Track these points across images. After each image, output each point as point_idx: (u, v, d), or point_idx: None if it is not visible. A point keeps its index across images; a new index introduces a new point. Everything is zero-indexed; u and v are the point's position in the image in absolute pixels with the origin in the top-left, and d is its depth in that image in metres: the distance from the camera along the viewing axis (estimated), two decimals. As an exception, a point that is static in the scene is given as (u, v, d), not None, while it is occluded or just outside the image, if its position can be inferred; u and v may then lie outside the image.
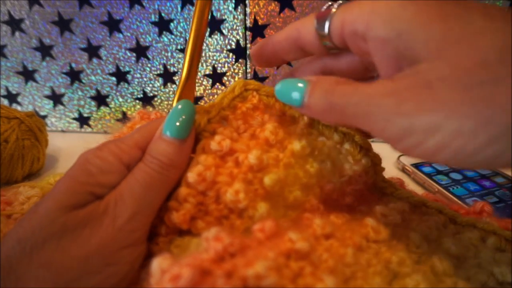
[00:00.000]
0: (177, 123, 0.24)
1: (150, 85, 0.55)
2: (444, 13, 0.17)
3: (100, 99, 0.56)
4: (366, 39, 0.20)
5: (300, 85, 0.22)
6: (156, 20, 0.51)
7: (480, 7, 0.16)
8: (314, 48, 0.25)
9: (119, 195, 0.22)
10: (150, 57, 0.53)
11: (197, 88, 0.55)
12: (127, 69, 0.54)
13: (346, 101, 0.19)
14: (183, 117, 0.24)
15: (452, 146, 0.16)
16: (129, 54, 0.53)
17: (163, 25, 0.51)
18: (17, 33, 0.52)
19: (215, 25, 0.50)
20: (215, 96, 0.56)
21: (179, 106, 0.24)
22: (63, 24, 0.51)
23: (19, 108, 0.57)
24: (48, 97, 0.56)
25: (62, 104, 0.57)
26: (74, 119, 0.58)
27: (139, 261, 0.23)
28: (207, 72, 0.54)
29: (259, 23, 0.50)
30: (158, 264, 0.18)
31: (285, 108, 0.28)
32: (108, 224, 0.21)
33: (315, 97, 0.21)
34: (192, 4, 0.49)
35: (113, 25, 0.51)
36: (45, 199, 0.22)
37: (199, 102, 0.56)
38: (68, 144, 0.54)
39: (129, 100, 0.57)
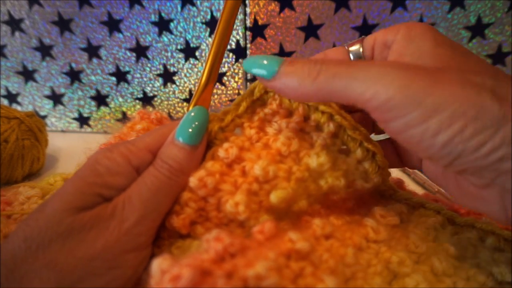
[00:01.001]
0: (190, 129, 0.24)
1: (150, 85, 0.55)
2: (453, 45, 0.22)
3: (100, 99, 0.56)
4: (391, 45, 0.24)
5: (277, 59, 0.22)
6: (156, 20, 0.51)
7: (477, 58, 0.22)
8: None
9: (128, 198, 0.22)
10: (150, 57, 0.53)
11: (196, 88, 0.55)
12: (127, 69, 0.54)
13: (352, 71, 0.19)
14: (196, 123, 0.24)
15: (451, 128, 0.18)
16: (129, 54, 0.53)
17: (163, 25, 0.51)
18: (17, 33, 0.52)
19: (215, 25, 0.50)
20: (215, 96, 0.56)
21: (193, 113, 0.24)
22: (63, 24, 0.51)
23: (19, 108, 0.57)
24: (48, 97, 0.56)
25: (62, 104, 0.57)
26: (74, 119, 0.58)
27: (143, 265, 0.23)
28: (207, 72, 0.54)
29: (259, 23, 0.50)
30: (158, 264, 0.18)
31: (309, 112, 0.26)
32: (114, 227, 0.21)
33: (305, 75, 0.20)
34: (192, 4, 0.49)
35: (113, 25, 0.51)
36: (52, 199, 0.22)
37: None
38: (68, 144, 0.54)
39: (129, 100, 0.57)
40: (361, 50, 0.27)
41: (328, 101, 0.24)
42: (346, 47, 0.27)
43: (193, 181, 0.23)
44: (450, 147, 0.18)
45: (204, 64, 0.53)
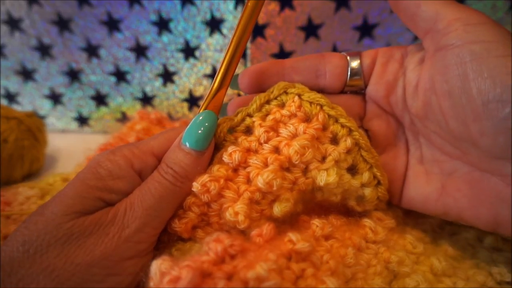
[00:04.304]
0: (197, 134, 0.23)
1: (150, 85, 0.55)
2: None
3: (100, 99, 0.56)
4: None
5: None
6: (156, 20, 0.50)
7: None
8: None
9: (130, 204, 0.22)
10: (149, 57, 0.53)
11: (196, 88, 0.55)
12: (126, 69, 0.54)
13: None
14: (204, 128, 0.23)
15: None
16: (128, 54, 0.53)
17: (163, 24, 0.51)
18: (16, 33, 0.51)
19: (215, 25, 0.50)
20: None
21: (201, 117, 0.24)
22: (63, 24, 0.51)
23: (18, 108, 0.57)
24: (47, 97, 0.56)
25: (61, 104, 0.57)
26: (74, 119, 0.58)
27: (144, 271, 0.22)
28: (207, 72, 0.54)
29: (259, 23, 0.50)
30: (157, 266, 0.18)
31: (329, 122, 0.24)
32: (114, 233, 0.21)
33: None
34: (192, 4, 0.49)
35: (112, 24, 0.51)
36: (52, 202, 0.21)
37: (198, 102, 0.56)
38: (68, 144, 0.54)
39: (128, 100, 0.56)
40: (357, 62, 0.27)
41: (409, 13, 0.24)
42: (345, 55, 0.28)
43: (196, 186, 0.23)
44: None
45: (203, 63, 0.53)
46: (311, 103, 0.24)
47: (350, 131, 0.25)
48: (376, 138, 0.28)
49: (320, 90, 0.27)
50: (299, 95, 0.25)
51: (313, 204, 0.27)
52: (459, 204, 0.23)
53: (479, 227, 0.23)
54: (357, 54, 0.27)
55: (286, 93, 0.25)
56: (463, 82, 0.20)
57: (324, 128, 0.25)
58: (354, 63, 0.27)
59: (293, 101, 0.25)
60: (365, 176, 0.25)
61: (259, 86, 0.27)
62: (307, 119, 0.25)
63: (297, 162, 0.23)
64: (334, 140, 0.25)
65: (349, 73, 0.27)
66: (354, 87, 0.28)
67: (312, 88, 0.26)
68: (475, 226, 0.23)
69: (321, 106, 0.24)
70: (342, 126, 0.25)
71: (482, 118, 0.20)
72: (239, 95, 0.55)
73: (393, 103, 0.27)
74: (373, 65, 0.27)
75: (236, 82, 0.28)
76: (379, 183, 0.26)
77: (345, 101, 0.28)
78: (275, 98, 0.25)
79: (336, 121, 0.25)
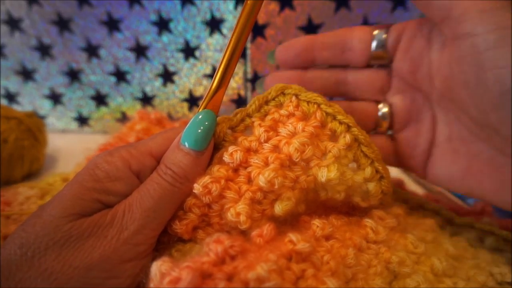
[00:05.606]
0: (196, 134, 0.23)
1: (150, 85, 0.55)
2: None
3: (100, 99, 0.56)
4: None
5: None
6: (156, 20, 0.50)
7: None
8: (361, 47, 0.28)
9: (128, 206, 0.21)
10: (149, 57, 0.53)
11: (196, 88, 0.55)
12: (126, 69, 0.54)
13: None
14: (203, 128, 0.23)
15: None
16: (128, 54, 0.53)
17: (163, 24, 0.51)
18: (16, 33, 0.51)
19: (215, 25, 0.50)
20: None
21: (200, 116, 0.23)
22: (63, 24, 0.51)
23: (18, 108, 0.57)
24: (47, 97, 0.56)
25: (61, 104, 0.57)
26: (74, 119, 0.58)
27: (143, 274, 0.22)
28: (207, 72, 0.54)
29: (259, 23, 0.49)
30: (157, 267, 0.18)
31: (327, 119, 0.25)
32: (113, 236, 0.20)
33: None
34: (192, 4, 0.49)
35: (112, 24, 0.51)
36: (50, 204, 0.21)
37: (198, 102, 0.56)
38: (68, 144, 0.54)
39: (128, 100, 0.56)
40: (383, 36, 0.27)
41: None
42: (372, 28, 0.28)
43: (197, 187, 0.23)
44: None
45: (203, 63, 0.53)
46: (308, 102, 0.25)
47: (348, 127, 0.25)
48: (398, 113, 0.28)
49: (346, 65, 0.29)
50: (296, 95, 0.25)
51: (317, 204, 0.26)
52: (483, 187, 0.23)
53: (505, 208, 0.23)
54: (385, 27, 0.28)
55: (283, 94, 0.25)
56: (479, 72, 0.20)
57: (323, 125, 0.25)
58: (380, 38, 0.27)
59: (290, 101, 0.25)
60: (368, 171, 0.25)
61: (294, 60, 0.29)
62: (305, 118, 0.25)
63: (297, 160, 0.23)
64: (333, 138, 0.25)
65: (374, 48, 0.28)
66: (380, 60, 0.28)
67: (338, 63, 0.28)
68: (501, 207, 0.23)
69: (318, 105, 0.25)
70: (340, 123, 0.25)
71: (500, 108, 0.20)
72: (239, 95, 0.55)
73: (419, 78, 0.26)
74: (399, 40, 0.27)
75: (273, 57, 0.31)
76: (382, 177, 0.26)
77: (369, 74, 0.28)
78: (273, 99, 0.25)
79: (334, 118, 0.25)
